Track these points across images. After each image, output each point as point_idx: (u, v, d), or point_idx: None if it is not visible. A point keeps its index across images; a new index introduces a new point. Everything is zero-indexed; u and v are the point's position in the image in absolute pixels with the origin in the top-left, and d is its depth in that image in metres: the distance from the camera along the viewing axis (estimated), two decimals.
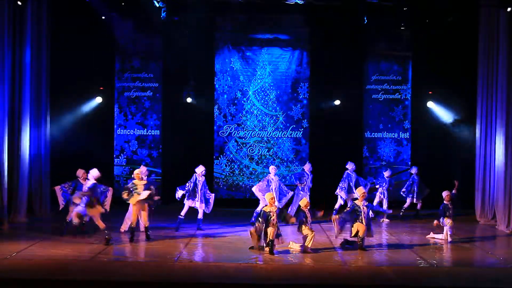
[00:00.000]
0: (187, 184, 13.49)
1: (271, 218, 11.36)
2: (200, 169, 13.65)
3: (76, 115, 17.90)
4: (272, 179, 14.67)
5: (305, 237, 11.58)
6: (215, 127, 18.25)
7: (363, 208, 11.84)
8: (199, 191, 13.53)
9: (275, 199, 12.49)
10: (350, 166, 15.61)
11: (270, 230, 11.30)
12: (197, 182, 13.55)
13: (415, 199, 15.94)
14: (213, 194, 13.94)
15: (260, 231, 11.46)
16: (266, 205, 11.71)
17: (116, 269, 10.09)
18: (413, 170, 16.11)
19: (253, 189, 14.83)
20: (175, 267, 10.32)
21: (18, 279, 9.34)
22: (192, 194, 13.50)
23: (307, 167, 15.60)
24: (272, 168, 14.89)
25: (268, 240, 11.33)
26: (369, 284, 9.51)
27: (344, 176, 15.53)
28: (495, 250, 12.10)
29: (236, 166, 18.19)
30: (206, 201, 13.65)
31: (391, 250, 11.96)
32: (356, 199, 12.19)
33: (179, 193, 13.44)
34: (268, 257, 11.04)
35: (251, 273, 9.94)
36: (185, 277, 9.67)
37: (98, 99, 18.18)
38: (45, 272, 9.73)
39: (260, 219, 11.47)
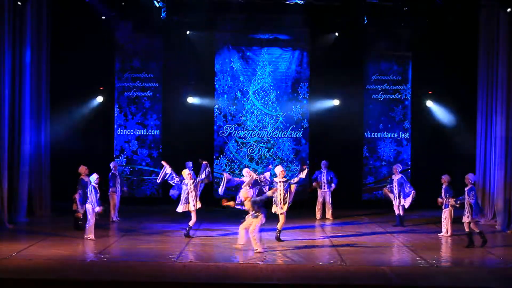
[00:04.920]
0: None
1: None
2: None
3: (76, 115, 17.87)
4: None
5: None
6: (215, 127, 18.23)
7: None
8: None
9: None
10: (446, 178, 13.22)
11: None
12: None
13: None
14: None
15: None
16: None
17: (116, 269, 10.09)
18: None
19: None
20: (175, 267, 10.32)
21: (18, 279, 9.34)
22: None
23: (322, 164, 15.88)
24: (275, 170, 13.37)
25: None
26: (369, 284, 9.51)
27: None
28: (495, 250, 12.09)
29: (236, 166, 18.18)
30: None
31: (391, 250, 11.95)
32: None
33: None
34: (268, 257, 11.06)
35: (251, 273, 9.93)
36: (185, 277, 9.67)
37: (99, 99, 18.16)
38: (45, 272, 9.74)
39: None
